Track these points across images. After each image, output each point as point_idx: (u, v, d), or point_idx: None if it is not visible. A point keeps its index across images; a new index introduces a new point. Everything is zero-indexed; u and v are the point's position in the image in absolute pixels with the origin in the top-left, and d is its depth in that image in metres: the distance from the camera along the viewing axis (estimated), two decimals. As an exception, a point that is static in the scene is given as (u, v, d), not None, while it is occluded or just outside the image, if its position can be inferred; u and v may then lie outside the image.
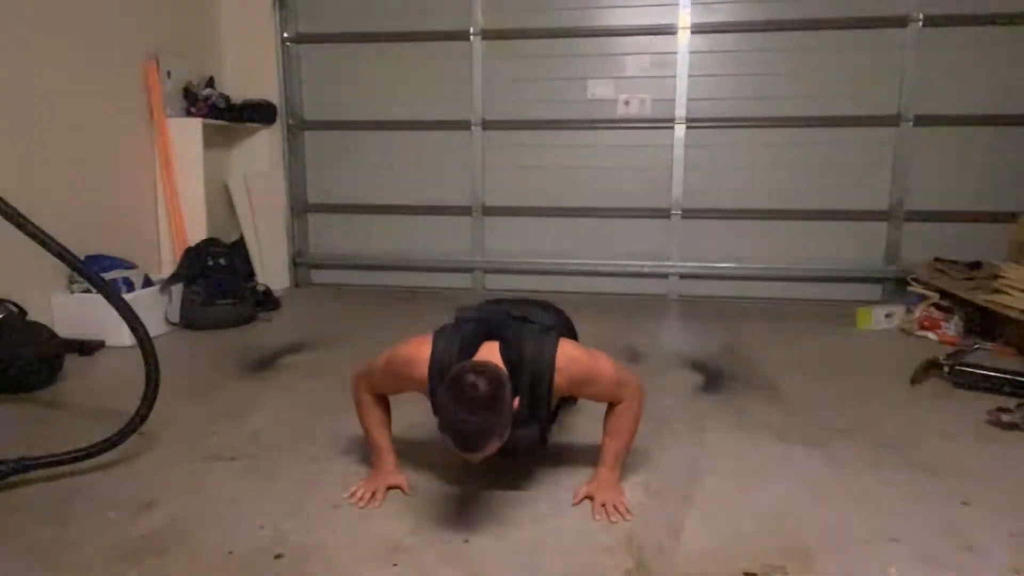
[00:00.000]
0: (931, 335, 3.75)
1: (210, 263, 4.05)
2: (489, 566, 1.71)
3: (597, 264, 4.81)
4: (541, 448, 2.16)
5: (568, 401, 2.36)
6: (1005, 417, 2.53)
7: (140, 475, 2.18)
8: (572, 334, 2.29)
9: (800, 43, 4.45)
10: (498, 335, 1.89)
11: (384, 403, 2.09)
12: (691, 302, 4.70)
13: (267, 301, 4.36)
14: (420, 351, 1.92)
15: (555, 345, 1.90)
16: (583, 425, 2.44)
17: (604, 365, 1.96)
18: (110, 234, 3.90)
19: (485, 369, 1.69)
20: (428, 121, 4.89)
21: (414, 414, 2.33)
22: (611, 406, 2.01)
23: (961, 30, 4.29)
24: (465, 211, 4.94)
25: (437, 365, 1.87)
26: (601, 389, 1.97)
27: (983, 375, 2.93)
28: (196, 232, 4.30)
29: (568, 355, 1.90)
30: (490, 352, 1.86)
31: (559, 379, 1.89)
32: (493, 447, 1.72)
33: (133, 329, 2.16)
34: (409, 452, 2.24)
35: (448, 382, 1.68)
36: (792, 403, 2.82)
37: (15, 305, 3.14)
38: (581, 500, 1.99)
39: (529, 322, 1.98)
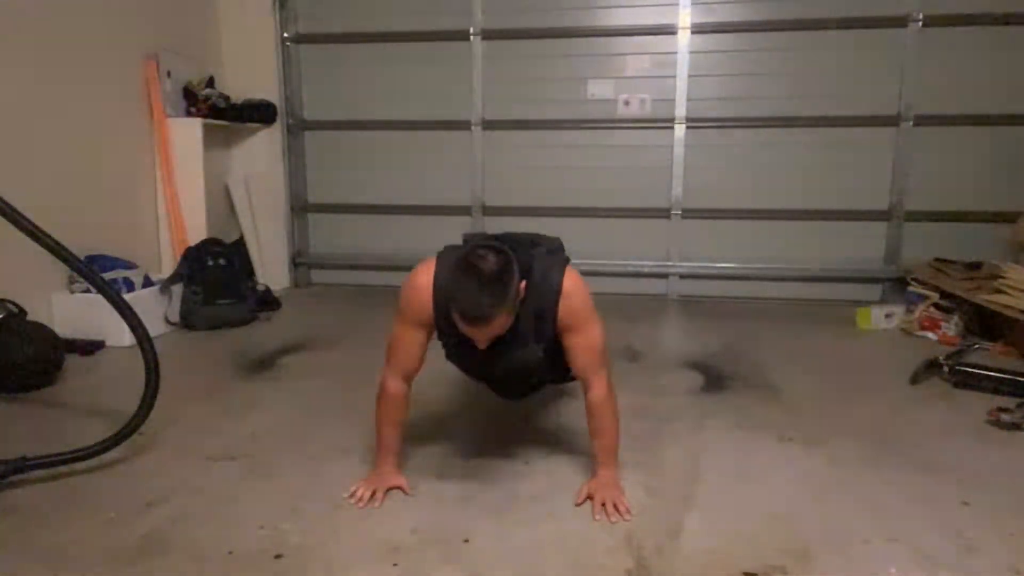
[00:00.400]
0: (931, 335, 3.75)
1: (210, 263, 4.05)
2: (489, 566, 1.71)
3: (597, 264, 4.81)
4: (564, 380, 2.15)
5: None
6: (1005, 417, 2.54)
7: (140, 475, 2.18)
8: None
9: (800, 43, 4.45)
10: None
11: (403, 403, 2.05)
12: (691, 302, 4.71)
13: (267, 301, 4.36)
14: (424, 271, 1.93)
15: (563, 267, 1.91)
16: (584, 426, 2.43)
17: (597, 322, 1.97)
18: (110, 234, 3.90)
19: (494, 247, 1.73)
20: (428, 121, 4.89)
21: (413, 414, 2.32)
22: (588, 404, 1.99)
23: (961, 30, 4.29)
24: (465, 211, 4.94)
25: (442, 278, 1.86)
26: (586, 341, 1.94)
27: (983, 375, 2.93)
28: (196, 232, 4.30)
29: (574, 281, 1.91)
30: None
31: (562, 303, 1.89)
32: (500, 324, 1.75)
33: (133, 329, 2.16)
34: (409, 453, 2.24)
35: (457, 258, 1.73)
36: (792, 403, 2.82)
37: (15, 305, 3.14)
38: (584, 500, 1.99)
39: (537, 245, 1.99)
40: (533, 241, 2.03)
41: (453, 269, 1.74)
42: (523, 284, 1.80)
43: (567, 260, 1.99)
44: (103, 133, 3.91)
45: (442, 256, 1.96)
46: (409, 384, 2.06)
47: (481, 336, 1.79)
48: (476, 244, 1.77)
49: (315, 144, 5.09)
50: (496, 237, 2.03)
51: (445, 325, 1.90)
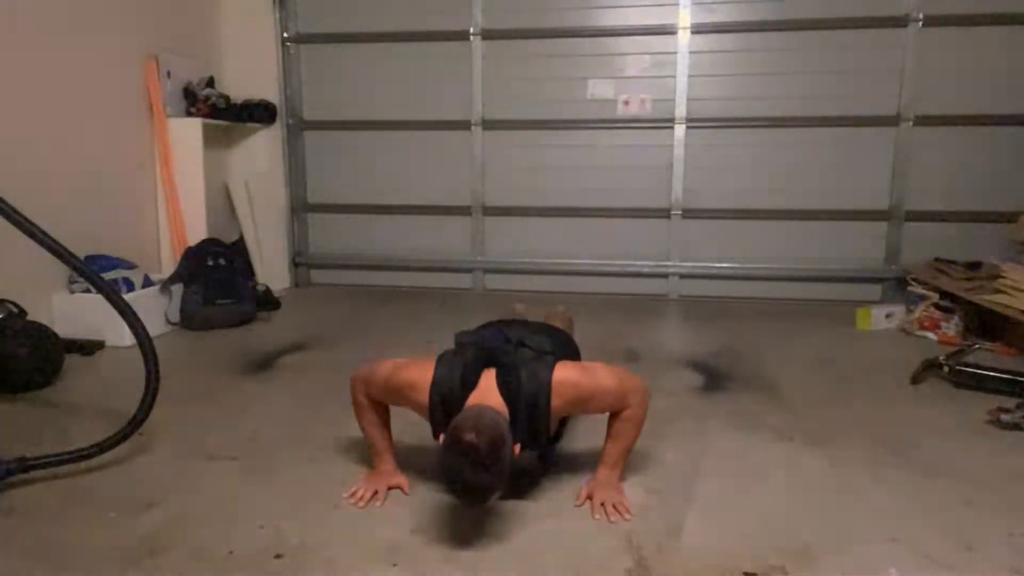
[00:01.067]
0: (931, 335, 3.75)
1: (210, 263, 4.05)
2: (489, 566, 1.71)
3: (597, 264, 4.81)
4: (544, 467, 2.18)
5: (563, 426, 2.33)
6: (1005, 417, 2.54)
7: (140, 475, 2.18)
8: (572, 352, 2.29)
9: (800, 43, 4.45)
10: (496, 362, 1.92)
11: (382, 406, 2.10)
12: (691, 302, 4.70)
13: (267, 301, 4.35)
14: (422, 377, 1.94)
15: (551, 370, 1.91)
16: (583, 428, 2.43)
17: (603, 379, 1.95)
18: (110, 234, 3.90)
19: (483, 426, 1.69)
20: (428, 121, 4.89)
21: (413, 414, 2.32)
22: (622, 415, 2.00)
23: (961, 30, 4.29)
24: (465, 211, 4.94)
25: (438, 391, 1.90)
26: (603, 403, 1.98)
27: (983, 375, 2.93)
28: (196, 232, 4.30)
29: (564, 379, 1.91)
30: (488, 380, 1.89)
31: (556, 403, 1.90)
32: (495, 498, 1.78)
33: (133, 329, 2.16)
34: (409, 453, 2.24)
35: (448, 441, 1.69)
36: (792, 403, 2.82)
37: (15, 305, 3.14)
38: (584, 502, 1.99)
39: (525, 347, 2.01)
40: (522, 338, 2.03)
41: (445, 448, 1.69)
42: (517, 448, 1.79)
43: (555, 361, 1.95)
44: (103, 133, 3.91)
45: (440, 364, 1.95)
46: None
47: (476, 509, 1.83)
48: (465, 425, 1.69)
49: (315, 144, 5.09)
50: (485, 347, 1.99)
51: (436, 420, 1.90)
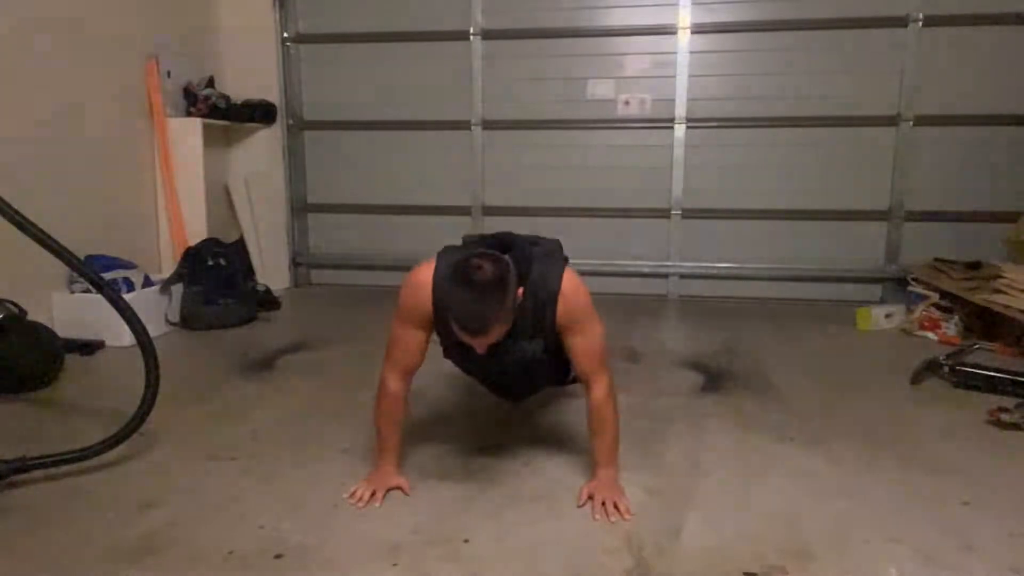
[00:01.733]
0: (931, 335, 3.75)
1: (210, 263, 4.04)
2: (489, 566, 1.71)
3: (597, 264, 4.81)
4: (562, 383, 2.16)
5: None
6: (1005, 417, 2.53)
7: (140, 475, 2.18)
8: None
9: (800, 43, 4.45)
10: (507, 247, 1.89)
11: (402, 402, 2.06)
12: (691, 302, 4.70)
13: (267, 301, 4.35)
14: (423, 273, 1.93)
15: (562, 268, 1.92)
16: (584, 427, 2.43)
17: (598, 323, 1.97)
18: (110, 234, 3.90)
19: (490, 255, 1.72)
20: (428, 121, 4.89)
21: (414, 413, 2.33)
22: (589, 404, 2.00)
23: (961, 30, 4.29)
24: (465, 211, 4.94)
25: (442, 280, 1.86)
26: (586, 342, 1.95)
27: (983, 375, 2.93)
28: (196, 232, 4.30)
29: (573, 283, 1.92)
30: None
31: (561, 305, 1.89)
32: (498, 331, 1.76)
33: (133, 329, 2.16)
34: (409, 453, 2.24)
35: (454, 268, 1.71)
36: (792, 403, 2.82)
37: (15, 305, 3.14)
38: (585, 502, 1.99)
39: (536, 245, 1.99)
40: (532, 241, 2.03)
41: (449, 278, 1.74)
42: (520, 290, 1.81)
43: (566, 261, 2.00)
44: (103, 133, 3.91)
45: (442, 256, 1.96)
46: (408, 383, 2.06)
47: (478, 344, 1.80)
48: (472, 252, 1.76)
49: (315, 144, 5.09)
50: (495, 236, 2.03)
51: (444, 327, 1.91)
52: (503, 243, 1.93)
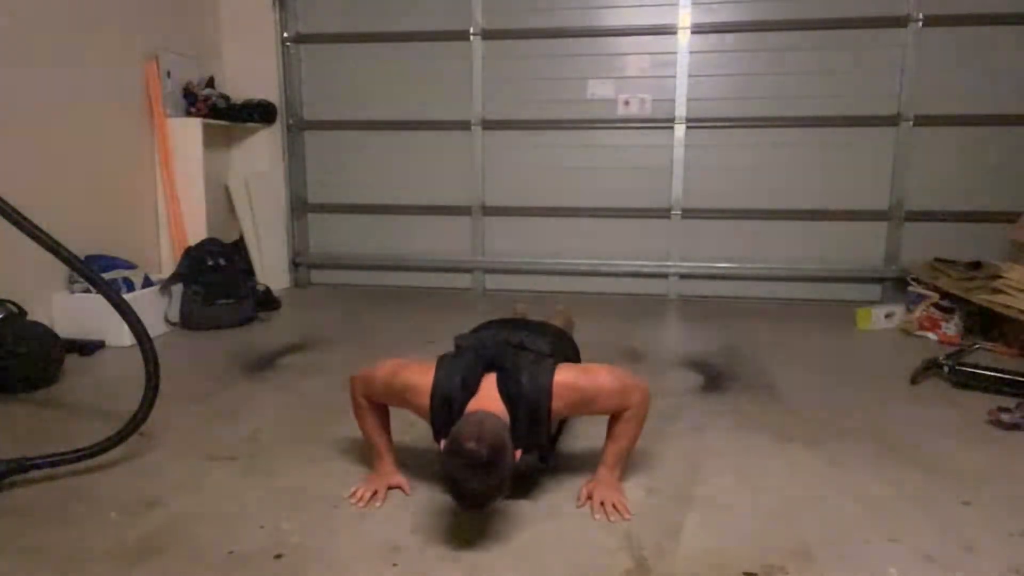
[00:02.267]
0: (931, 335, 3.75)
1: (210, 263, 4.05)
2: (489, 566, 1.71)
3: (597, 264, 4.81)
4: (543, 468, 2.17)
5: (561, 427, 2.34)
6: (1005, 417, 2.54)
7: (140, 475, 2.18)
8: (571, 353, 2.31)
9: (800, 43, 4.45)
10: (496, 366, 1.93)
11: (382, 407, 2.10)
12: (691, 302, 4.70)
13: (267, 301, 4.35)
14: (422, 381, 1.94)
15: (551, 373, 1.91)
16: (583, 428, 2.44)
17: (603, 381, 1.96)
18: (110, 234, 3.90)
19: (485, 434, 1.69)
20: (428, 121, 4.89)
21: (413, 414, 2.32)
22: (623, 414, 2.00)
23: (961, 30, 4.29)
24: (465, 211, 4.94)
25: (439, 394, 1.90)
26: (604, 405, 1.98)
27: (983, 375, 2.93)
28: (196, 232, 4.30)
29: (564, 382, 1.91)
30: (489, 384, 1.90)
31: (557, 405, 1.90)
32: (496, 503, 1.80)
33: (133, 329, 2.16)
34: (409, 453, 2.24)
35: (449, 448, 1.70)
36: (792, 403, 2.82)
37: (15, 305, 3.14)
38: (585, 501, 1.99)
39: (525, 349, 2.01)
40: (522, 344, 2.03)
41: (446, 455, 1.70)
42: (518, 453, 1.80)
43: (554, 364, 1.96)
44: (103, 133, 3.91)
45: (441, 364, 1.96)
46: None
47: (478, 514, 1.84)
48: (465, 432, 1.70)
49: (315, 144, 5.09)
50: (485, 349, 2.01)
51: (441, 426, 1.89)
52: (492, 356, 1.95)
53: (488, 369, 1.93)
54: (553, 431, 2.02)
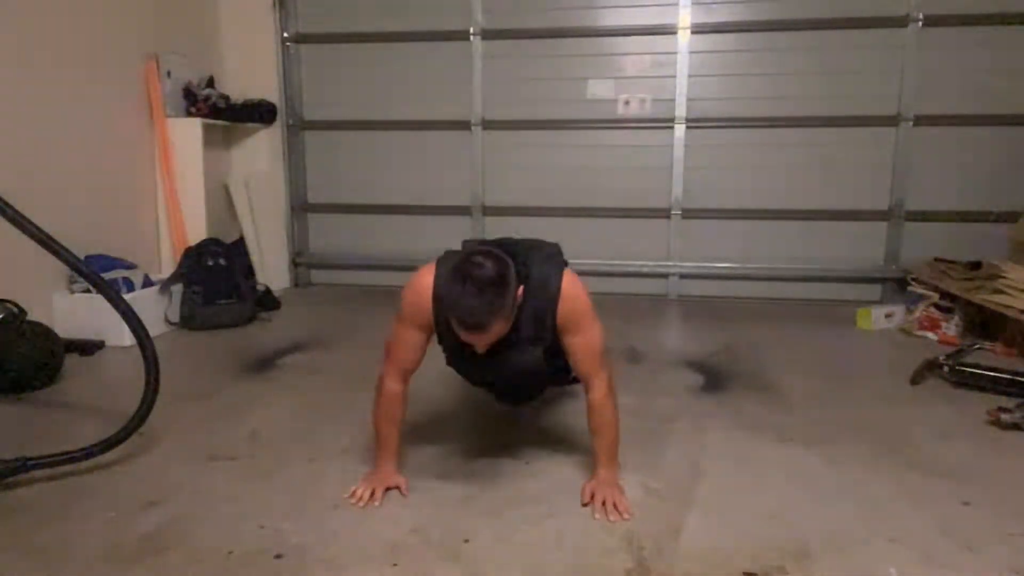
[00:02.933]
0: (931, 335, 3.75)
1: (210, 263, 4.05)
2: (489, 566, 1.71)
3: (597, 264, 4.81)
4: (564, 382, 2.18)
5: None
6: (1005, 417, 2.53)
7: (140, 475, 2.18)
8: None
9: (800, 43, 4.45)
10: (506, 251, 1.88)
11: (401, 402, 2.06)
12: (691, 302, 4.70)
13: (267, 301, 4.36)
14: (425, 274, 1.95)
15: (561, 271, 1.93)
16: (584, 427, 2.43)
17: (597, 323, 1.97)
18: (110, 234, 3.90)
19: (490, 252, 1.74)
20: (428, 121, 4.89)
21: (414, 414, 2.33)
22: (589, 404, 2.00)
23: (961, 30, 4.29)
24: (465, 211, 4.94)
25: (442, 282, 1.86)
26: (585, 342, 1.95)
27: (983, 375, 2.92)
28: (196, 232, 4.30)
29: (573, 284, 1.93)
30: None
31: (560, 306, 1.90)
32: (499, 329, 1.77)
33: (133, 329, 2.16)
34: (409, 453, 2.24)
35: (455, 265, 1.72)
36: (792, 403, 2.82)
37: (15, 305, 3.14)
38: (589, 501, 1.98)
39: (536, 249, 2.00)
40: (531, 245, 2.04)
41: (450, 276, 1.74)
42: (520, 289, 1.81)
43: (565, 264, 2.00)
44: (103, 133, 3.91)
45: (442, 260, 1.96)
46: (407, 383, 2.06)
47: (479, 342, 1.81)
48: (473, 250, 1.78)
49: (315, 144, 5.09)
50: (495, 242, 2.04)
51: (444, 329, 1.92)
52: (502, 246, 1.93)
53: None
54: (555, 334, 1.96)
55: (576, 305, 1.93)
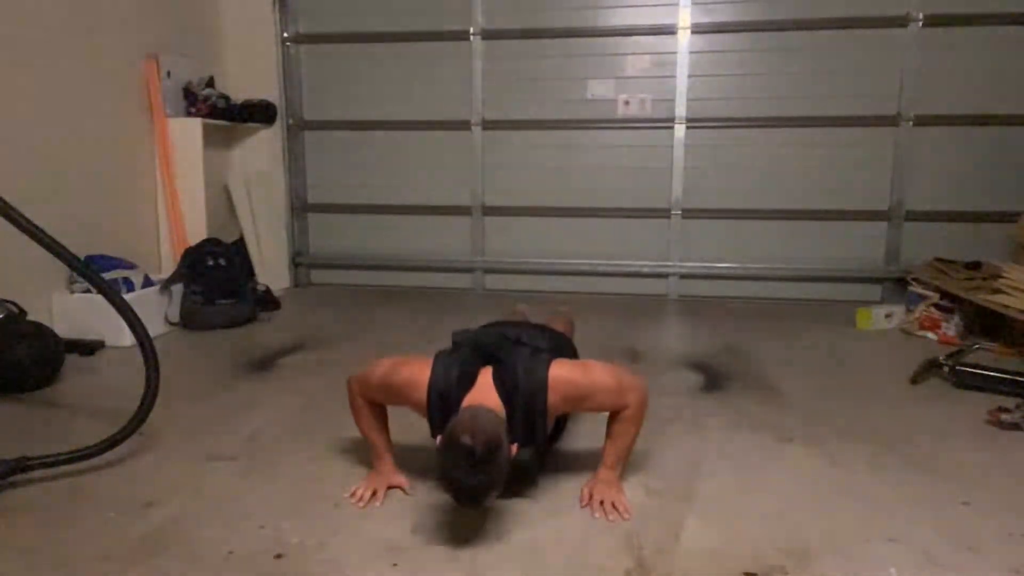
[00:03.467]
0: (931, 335, 3.75)
1: (210, 263, 4.04)
2: (489, 566, 1.71)
3: (597, 264, 4.81)
4: (539, 469, 2.17)
5: (562, 425, 2.34)
6: (1005, 417, 2.53)
7: (140, 475, 2.18)
8: (569, 353, 2.29)
9: (800, 43, 4.45)
10: (493, 359, 1.93)
11: (380, 407, 2.09)
12: (691, 302, 4.70)
13: (267, 301, 4.35)
14: (419, 375, 1.93)
15: (547, 366, 1.91)
16: (583, 428, 2.44)
17: (600, 377, 1.95)
18: (110, 234, 3.90)
19: (480, 429, 1.68)
20: (428, 121, 4.89)
21: (412, 414, 2.32)
22: (621, 414, 1.99)
23: (961, 30, 4.29)
24: (465, 211, 4.94)
25: (436, 390, 1.90)
26: (601, 401, 1.97)
27: (983, 375, 2.92)
28: (196, 232, 4.30)
29: (560, 376, 1.91)
30: (485, 378, 1.90)
31: (553, 399, 1.90)
32: (492, 499, 1.78)
33: (133, 329, 2.16)
34: (409, 453, 2.24)
35: (444, 443, 1.70)
36: (792, 403, 2.82)
37: (15, 305, 3.14)
38: (588, 501, 1.99)
39: (522, 344, 2.01)
40: (519, 339, 2.04)
41: (442, 451, 1.70)
42: (514, 448, 1.80)
43: (550, 358, 1.96)
44: (103, 133, 3.91)
45: (437, 364, 1.95)
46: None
47: (474, 511, 1.85)
48: (461, 427, 1.69)
49: (315, 144, 5.09)
50: (480, 338, 2.03)
51: (438, 421, 1.89)
52: (489, 349, 1.95)
53: (485, 362, 1.93)
54: (550, 429, 2.01)
55: (568, 389, 1.91)
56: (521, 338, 2.05)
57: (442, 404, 1.88)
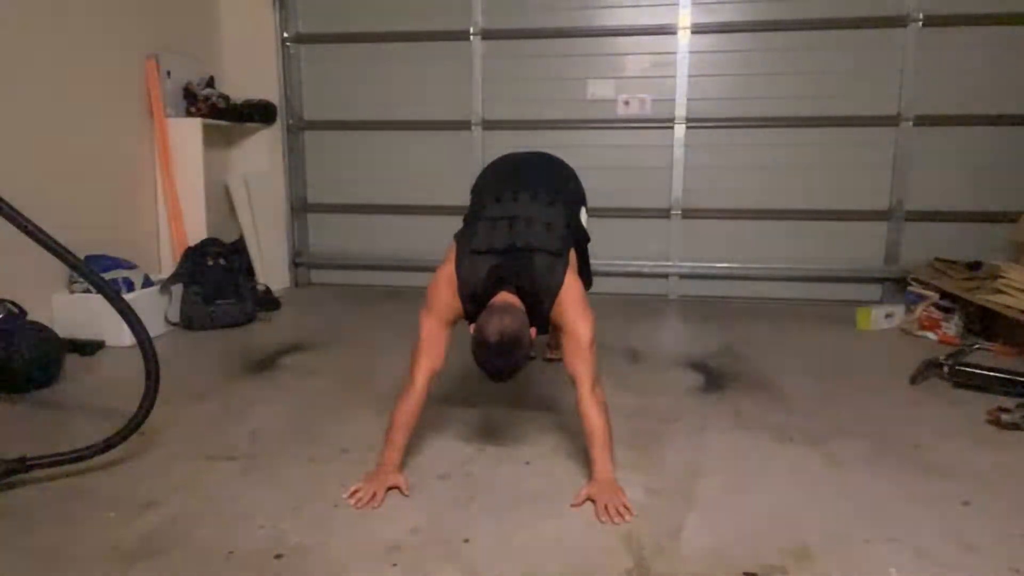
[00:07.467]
0: (931, 335, 3.75)
1: (210, 263, 4.04)
2: (489, 566, 1.71)
3: (597, 264, 4.78)
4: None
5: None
6: (1005, 417, 2.54)
7: (140, 475, 2.18)
8: (579, 198, 2.80)
9: (800, 43, 4.45)
10: (511, 281, 2.12)
11: (421, 405, 2.15)
12: (691, 302, 4.70)
13: (267, 301, 4.35)
14: (447, 267, 2.20)
15: (564, 270, 2.15)
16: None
17: (588, 321, 2.13)
18: (110, 234, 3.90)
19: (504, 326, 1.99)
20: (428, 121, 4.89)
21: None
22: (577, 404, 2.09)
23: (961, 30, 4.29)
24: (465, 211, 4.92)
25: (465, 293, 2.15)
26: (574, 337, 2.11)
27: (983, 375, 2.93)
28: (196, 232, 4.30)
29: (569, 283, 2.15)
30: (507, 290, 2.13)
31: (556, 301, 2.14)
32: (520, 372, 2.11)
33: (133, 329, 2.16)
34: (409, 452, 2.24)
35: (476, 337, 2.02)
36: (792, 403, 2.82)
37: (15, 305, 3.14)
38: (583, 502, 1.99)
39: (537, 252, 2.15)
40: (530, 246, 2.16)
41: (475, 339, 2.03)
42: (533, 331, 2.09)
43: (565, 271, 2.16)
44: (103, 133, 3.91)
45: (460, 242, 2.24)
46: (431, 385, 2.18)
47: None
48: (491, 316, 2.03)
49: (315, 144, 5.09)
50: (495, 259, 2.18)
51: (472, 311, 2.15)
52: (506, 272, 2.13)
53: (503, 283, 2.13)
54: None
55: (569, 300, 2.13)
56: (532, 244, 2.16)
57: (474, 301, 2.14)
